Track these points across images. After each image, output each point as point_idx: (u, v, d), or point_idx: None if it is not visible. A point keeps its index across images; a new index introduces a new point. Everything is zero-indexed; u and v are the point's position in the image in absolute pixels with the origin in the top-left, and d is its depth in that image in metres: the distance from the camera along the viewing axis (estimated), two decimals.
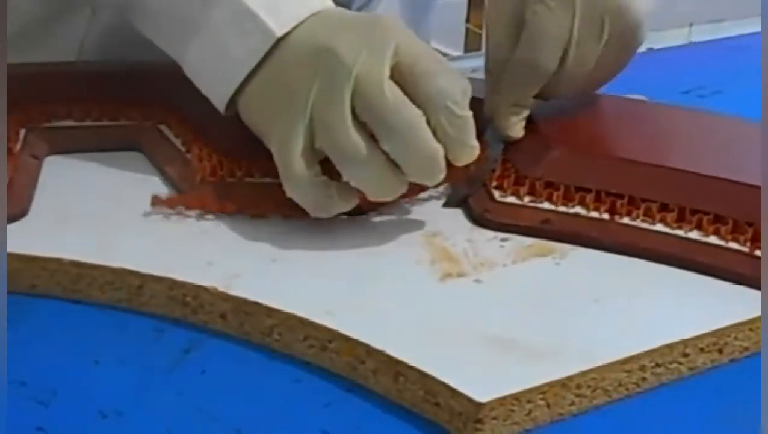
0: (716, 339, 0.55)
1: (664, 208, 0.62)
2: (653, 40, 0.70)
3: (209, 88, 0.63)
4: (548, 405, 0.51)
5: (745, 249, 0.60)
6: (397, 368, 0.51)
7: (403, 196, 0.62)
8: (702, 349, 0.55)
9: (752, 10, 0.92)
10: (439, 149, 0.58)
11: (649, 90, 0.77)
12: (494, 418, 0.50)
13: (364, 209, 0.62)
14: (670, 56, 0.95)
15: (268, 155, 0.60)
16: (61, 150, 0.68)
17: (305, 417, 0.51)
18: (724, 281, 0.58)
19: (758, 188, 0.59)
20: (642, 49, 0.69)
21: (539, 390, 0.50)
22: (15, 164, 0.64)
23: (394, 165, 0.58)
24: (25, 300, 0.57)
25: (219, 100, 0.63)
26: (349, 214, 0.61)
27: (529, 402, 0.50)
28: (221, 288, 0.56)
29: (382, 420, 0.51)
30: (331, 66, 0.58)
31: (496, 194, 0.64)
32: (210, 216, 0.62)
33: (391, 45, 0.58)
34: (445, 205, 0.64)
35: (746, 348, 0.56)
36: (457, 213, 0.64)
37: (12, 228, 0.59)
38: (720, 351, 0.55)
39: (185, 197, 0.62)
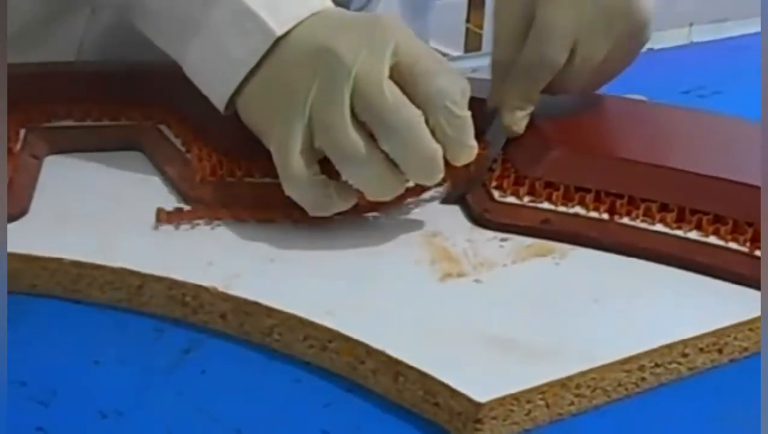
0: (716, 339, 0.55)
1: (664, 208, 0.62)
2: (653, 40, 0.70)
3: (209, 87, 0.63)
4: (548, 405, 0.51)
5: (745, 249, 0.60)
6: (397, 368, 0.52)
7: (405, 197, 0.62)
8: (701, 349, 0.55)
9: (752, 10, 0.92)
10: (438, 149, 0.58)
11: (649, 90, 0.77)
12: (494, 418, 0.50)
13: (363, 210, 0.62)
14: (670, 56, 0.95)
15: (268, 155, 0.60)
16: (61, 150, 0.68)
17: (305, 417, 0.51)
18: (723, 281, 0.58)
19: (758, 188, 0.59)
20: (642, 49, 0.69)
21: (539, 390, 0.50)
22: (15, 163, 0.64)
23: (393, 165, 0.58)
24: (25, 300, 0.57)
25: (219, 99, 0.63)
26: (348, 215, 0.61)
27: (528, 402, 0.50)
28: (221, 288, 0.56)
29: (381, 420, 0.51)
30: (331, 66, 0.58)
31: (496, 194, 0.64)
32: None
33: (390, 45, 0.58)
34: (443, 202, 0.64)
35: (746, 348, 0.56)
36: (457, 213, 0.64)
37: (12, 228, 0.59)
38: (719, 351, 0.55)
39: (191, 211, 0.61)
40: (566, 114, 0.70)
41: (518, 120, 0.67)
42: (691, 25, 1.00)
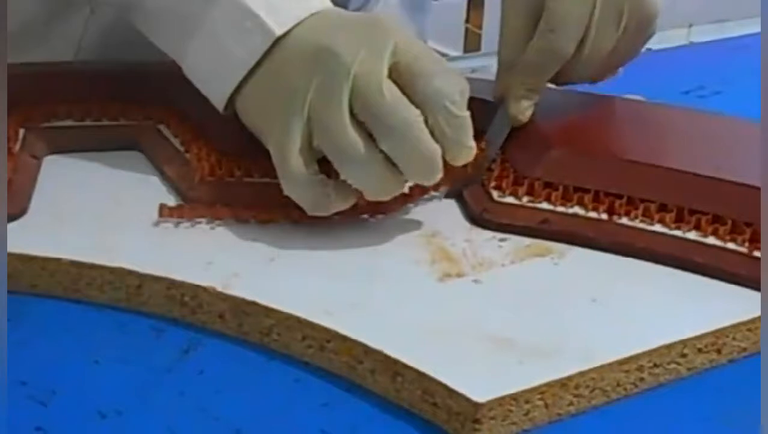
0: (715, 340, 0.55)
1: (663, 208, 0.62)
2: (653, 41, 0.70)
3: (208, 87, 0.63)
4: (546, 406, 0.51)
5: (744, 250, 0.60)
6: (395, 368, 0.52)
7: (404, 199, 0.62)
8: (700, 349, 0.55)
9: (752, 10, 0.92)
10: (437, 149, 0.58)
11: (649, 90, 0.77)
12: (492, 418, 0.50)
13: (362, 211, 0.62)
14: (670, 57, 0.95)
15: (267, 155, 0.60)
16: (60, 150, 0.68)
17: (304, 417, 0.51)
18: (722, 281, 0.58)
19: (757, 188, 0.59)
20: (642, 49, 0.70)
21: (537, 390, 0.50)
22: (14, 163, 0.64)
23: (392, 165, 0.58)
24: (25, 300, 0.58)
25: (218, 99, 0.63)
26: (348, 217, 0.61)
27: (527, 402, 0.50)
28: (220, 288, 0.56)
29: (380, 420, 0.51)
30: (330, 65, 0.58)
31: (495, 194, 0.64)
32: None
33: (389, 45, 0.58)
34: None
35: (744, 349, 0.56)
36: (456, 213, 0.64)
37: (11, 228, 0.59)
38: (718, 352, 0.55)
39: (193, 208, 0.62)
40: (565, 114, 0.70)
41: (524, 109, 0.67)
42: (690, 25, 1.00)
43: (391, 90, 0.57)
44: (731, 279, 0.58)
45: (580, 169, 0.64)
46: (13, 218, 0.60)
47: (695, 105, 0.82)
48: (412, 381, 0.51)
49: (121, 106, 0.70)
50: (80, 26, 0.78)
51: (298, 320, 0.54)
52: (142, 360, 0.54)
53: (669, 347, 0.54)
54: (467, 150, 0.59)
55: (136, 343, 0.55)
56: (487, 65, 0.70)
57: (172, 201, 0.63)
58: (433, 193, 0.64)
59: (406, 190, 0.61)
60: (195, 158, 0.65)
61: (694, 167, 0.63)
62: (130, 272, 0.57)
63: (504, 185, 0.64)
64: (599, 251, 0.61)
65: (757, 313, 0.55)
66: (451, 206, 0.65)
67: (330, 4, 0.62)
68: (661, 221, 0.62)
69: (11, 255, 0.57)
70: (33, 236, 0.59)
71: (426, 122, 0.58)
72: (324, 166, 0.59)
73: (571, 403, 0.51)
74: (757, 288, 0.56)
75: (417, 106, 0.58)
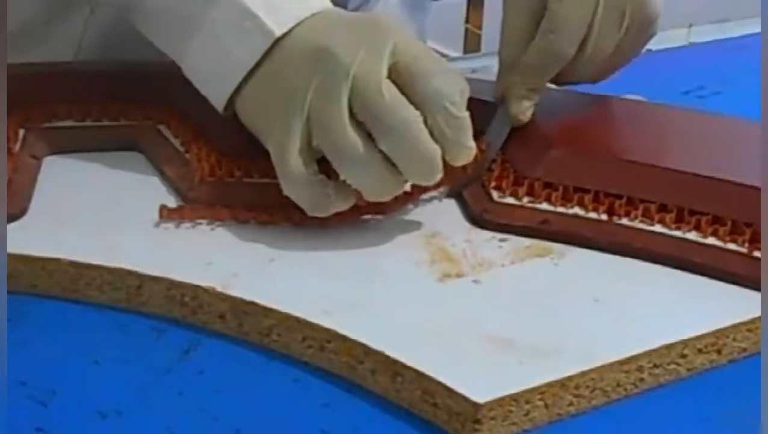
0: (715, 340, 0.55)
1: (663, 209, 0.62)
2: (653, 41, 0.70)
3: (208, 88, 0.63)
4: (546, 406, 0.51)
5: (744, 250, 0.60)
6: (395, 368, 0.52)
7: (404, 200, 0.62)
8: (700, 350, 0.55)
9: (752, 10, 0.92)
10: (436, 149, 0.58)
11: (649, 91, 0.77)
12: (492, 418, 0.50)
13: (362, 212, 0.62)
14: (669, 57, 0.95)
15: (267, 155, 0.60)
16: (60, 150, 0.68)
17: (304, 417, 0.51)
18: (722, 282, 0.58)
19: (757, 189, 0.59)
20: (650, 40, 0.70)
21: (537, 390, 0.50)
22: (14, 164, 0.64)
23: (392, 165, 0.58)
24: (25, 300, 0.58)
25: (218, 100, 0.63)
26: (348, 217, 0.61)
27: (527, 402, 0.50)
28: (220, 288, 0.56)
29: (380, 420, 0.51)
30: (329, 65, 0.58)
31: (495, 194, 0.64)
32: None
33: (389, 45, 0.58)
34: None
35: (744, 349, 0.56)
36: (456, 214, 0.64)
37: (11, 228, 0.59)
38: (718, 352, 0.55)
39: (194, 209, 0.62)
40: (566, 115, 0.70)
41: (525, 109, 0.67)
42: (690, 25, 1.00)
43: (390, 90, 0.57)
44: (731, 280, 0.58)
45: (580, 169, 0.64)
46: (13, 218, 0.60)
47: (695, 105, 0.82)
48: (412, 381, 0.51)
49: (121, 107, 0.70)
50: (80, 26, 0.78)
51: (298, 321, 0.54)
52: (142, 360, 0.54)
53: (669, 347, 0.54)
54: (467, 150, 0.59)
55: (136, 343, 0.55)
56: (486, 66, 0.70)
57: (172, 201, 0.63)
58: (432, 193, 0.64)
59: (407, 189, 0.61)
60: (195, 159, 0.65)
61: (694, 167, 0.63)
62: (130, 273, 0.57)
63: (504, 185, 0.64)
64: (599, 251, 0.61)
65: (757, 313, 0.55)
66: (451, 207, 0.65)
67: (330, 4, 0.62)
68: (661, 222, 0.62)
69: (11, 255, 0.57)
70: (33, 237, 0.59)
71: (425, 122, 0.58)
72: (324, 166, 0.59)
73: (571, 403, 0.51)
74: (757, 289, 0.56)
75: (416, 107, 0.58)
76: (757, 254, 0.59)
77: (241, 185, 0.64)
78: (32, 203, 0.63)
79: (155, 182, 0.66)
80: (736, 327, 0.55)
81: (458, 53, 1.68)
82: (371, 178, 0.58)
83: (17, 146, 0.66)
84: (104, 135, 0.69)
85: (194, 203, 0.62)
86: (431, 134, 0.58)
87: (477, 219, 0.63)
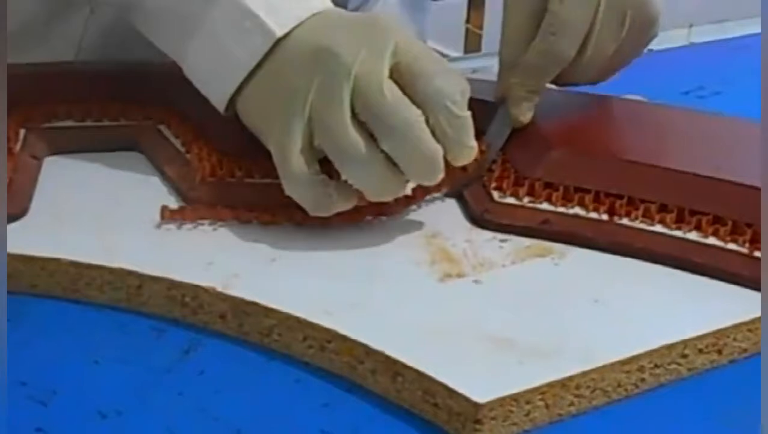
0: (715, 340, 0.55)
1: (663, 209, 0.62)
2: (653, 41, 0.70)
3: (209, 88, 0.63)
4: (547, 406, 0.51)
5: (744, 250, 0.60)
6: (396, 368, 0.52)
7: (406, 202, 0.62)
8: (701, 350, 0.55)
9: (752, 10, 0.92)
10: (438, 149, 0.58)
11: (649, 91, 0.77)
12: (493, 419, 0.50)
13: (364, 214, 0.62)
14: (670, 57, 0.95)
15: (268, 155, 0.60)
16: (60, 150, 0.68)
17: (304, 417, 0.51)
18: (722, 282, 0.58)
19: (757, 189, 0.59)
20: (651, 41, 0.70)
21: (538, 390, 0.50)
22: (15, 164, 0.64)
23: (393, 165, 0.58)
24: (25, 300, 0.57)
25: (218, 100, 0.63)
26: (349, 219, 0.61)
27: (527, 402, 0.50)
28: (220, 288, 0.56)
29: (380, 421, 0.51)
30: (331, 66, 0.58)
31: (496, 194, 0.64)
32: None
33: (390, 45, 0.58)
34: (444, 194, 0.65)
35: (745, 349, 0.56)
36: (457, 214, 0.64)
37: (12, 228, 0.59)
38: (719, 352, 0.55)
39: (195, 210, 0.62)
40: (566, 115, 0.70)
41: (525, 111, 0.67)
42: (691, 25, 1.00)
43: (392, 90, 0.57)
44: (732, 280, 0.58)
45: (581, 169, 0.64)
46: (13, 218, 0.60)
47: (695, 105, 0.82)
48: (413, 381, 0.51)
49: (121, 107, 0.70)
50: (80, 26, 0.78)
51: (299, 321, 0.54)
52: (142, 360, 0.54)
53: (670, 347, 0.54)
54: (468, 150, 0.59)
55: (136, 343, 0.55)
56: (487, 66, 0.70)
57: (172, 202, 0.63)
58: (433, 194, 0.64)
59: (408, 191, 0.61)
60: (196, 159, 0.65)
61: (695, 167, 0.63)
62: (131, 273, 0.57)
63: (505, 185, 0.64)
64: (600, 251, 0.61)
65: (758, 313, 0.55)
66: (452, 207, 0.65)
67: (330, 4, 0.62)
68: (662, 222, 0.62)
69: (11, 255, 0.57)
70: (33, 237, 0.59)
71: (427, 122, 0.58)
72: (325, 166, 0.59)
73: (571, 403, 0.51)
74: (758, 289, 0.56)
75: (418, 107, 0.58)
76: (757, 254, 0.59)
77: (242, 185, 0.64)
78: (33, 203, 0.62)
79: (156, 182, 0.66)
80: (736, 327, 0.55)
81: (459, 53, 1.68)
82: (373, 178, 0.58)
83: (18, 146, 0.66)
84: (104, 135, 0.69)
85: (195, 204, 0.62)
86: (433, 133, 0.58)
87: (478, 219, 0.63)
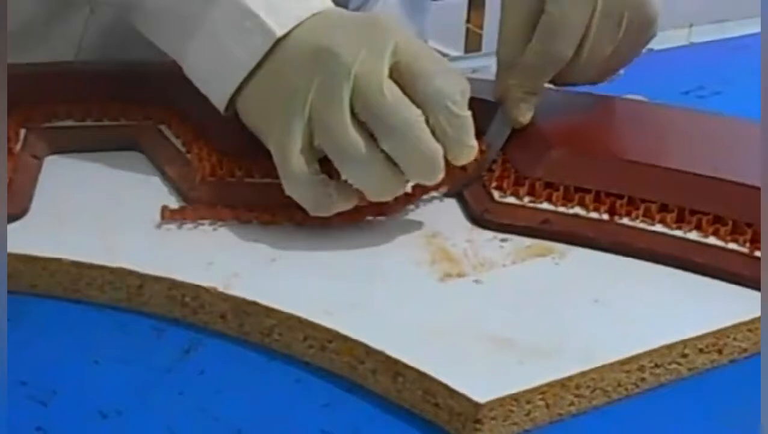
0: (715, 340, 0.55)
1: (664, 208, 0.62)
2: (653, 41, 0.70)
3: (209, 88, 0.63)
4: (547, 406, 0.51)
5: (745, 250, 0.60)
6: (396, 368, 0.52)
7: (406, 201, 0.62)
8: (701, 350, 0.55)
9: (752, 10, 0.92)
10: (438, 149, 0.58)
11: (649, 90, 0.77)
12: (493, 418, 0.50)
13: (364, 214, 0.62)
14: (670, 57, 0.95)
15: (268, 155, 0.60)
16: (61, 150, 0.68)
17: (305, 417, 0.51)
18: (723, 281, 0.58)
19: (758, 188, 0.59)
20: (650, 41, 0.70)
21: (538, 390, 0.50)
22: (15, 164, 0.64)
23: (394, 165, 0.58)
24: (25, 300, 0.57)
25: (219, 100, 0.63)
26: (349, 219, 0.61)
27: (528, 402, 0.50)
28: (221, 288, 0.56)
29: (381, 420, 0.51)
30: (331, 65, 0.58)
31: (496, 194, 0.64)
32: None
33: (390, 44, 0.58)
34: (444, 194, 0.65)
35: (745, 349, 0.56)
36: (457, 214, 0.64)
37: (12, 228, 0.59)
38: (719, 352, 0.55)
39: (195, 210, 0.62)
40: (566, 115, 0.70)
41: (524, 112, 0.67)
42: (691, 25, 1.00)
43: (391, 90, 0.57)
44: (732, 279, 0.58)
45: (581, 169, 0.64)
46: (13, 218, 0.60)
47: (695, 105, 0.82)
48: (414, 381, 0.51)
49: (121, 107, 0.70)
50: (80, 26, 0.78)
51: (300, 321, 0.54)
52: (142, 360, 0.54)
53: (670, 347, 0.54)
54: (469, 149, 0.59)
55: (136, 343, 0.55)
56: (487, 65, 0.70)
57: (173, 201, 0.63)
58: (433, 193, 0.64)
59: (408, 190, 0.61)
60: (196, 158, 0.65)
61: (695, 167, 0.63)
62: (131, 273, 0.57)
63: (505, 185, 0.64)
64: (600, 251, 0.61)
65: (758, 313, 0.55)
66: (452, 207, 0.65)
67: (331, 4, 0.62)
68: (662, 222, 0.62)
69: (12, 255, 0.57)
70: (33, 237, 0.59)
71: (427, 121, 0.58)
72: (326, 166, 0.59)
73: (572, 403, 0.51)
74: (758, 288, 0.56)
75: (418, 106, 0.58)
76: (758, 254, 0.59)
77: (242, 185, 0.64)
78: (33, 202, 0.63)
79: (156, 182, 0.66)
80: (736, 326, 0.55)
81: (459, 53, 1.68)
82: (373, 178, 0.58)
83: (18, 146, 0.66)
84: (105, 135, 0.69)
85: (195, 203, 0.62)
86: (433, 133, 0.58)
87: (478, 219, 0.63)
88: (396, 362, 0.51)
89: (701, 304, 0.57)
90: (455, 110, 0.58)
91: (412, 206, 0.64)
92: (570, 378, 0.51)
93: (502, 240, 0.61)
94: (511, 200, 0.64)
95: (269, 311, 0.55)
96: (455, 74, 0.59)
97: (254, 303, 0.55)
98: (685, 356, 0.54)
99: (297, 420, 0.51)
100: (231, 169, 0.64)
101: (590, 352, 0.52)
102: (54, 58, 0.74)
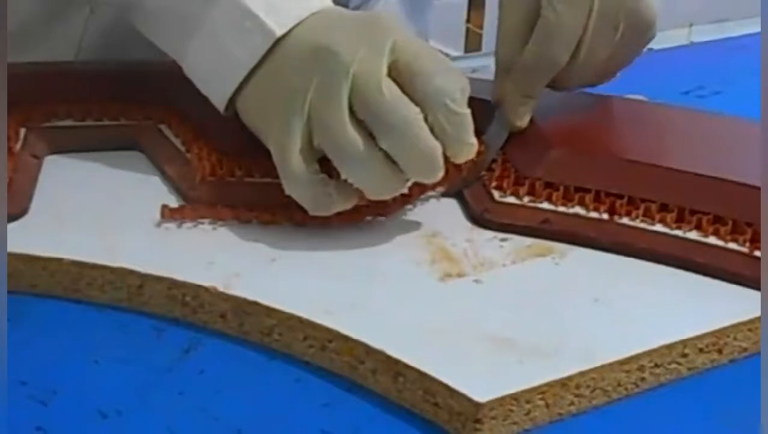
0: (715, 340, 0.55)
1: (664, 208, 0.62)
2: (653, 41, 0.70)
3: (209, 88, 0.63)
4: (547, 405, 0.51)
5: (745, 250, 0.60)
6: (397, 368, 0.52)
7: (406, 200, 0.62)
8: (701, 349, 0.55)
9: (752, 10, 0.92)
10: (437, 147, 0.58)
11: (649, 90, 0.77)
12: (493, 418, 0.50)
13: (364, 213, 0.62)
14: (670, 56, 0.95)
15: (268, 155, 0.60)
16: (61, 150, 0.68)
17: (305, 417, 0.51)
18: (723, 281, 0.58)
19: (758, 188, 0.59)
20: (647, 45, 0.70)
21: (538, 390, 0.50)
22: (15, 163, 0.64)
23: (393, 163, 0.58)
24: (26, 300, 0.57)
25: (219, 100, 0.63)
26: (349, 218, 0.61)
27: (528, 402, 0.50)
28: (221, 288, 0.56)
29: (381, 420, 0.51)
30: (329, 64, 0.58)
31: (496, 194, 0.64)
32: None
33: (388, 43, 0.58)
34: (443, 194, 0.65)
35: (745, 349, 0.56)
36: (457, 213, 0.64)
37: (12, 228, 0.59)
38: (719, 352, 0.55)
39: (195, 209, 0.62)
40: (566, 115, 0.70)
41: (521, 115, 0.67)
42: (691, 25, 1.00)
43: (390, 88, 0.57)
44: (732, 279, 0.58)
45: (581, 169, 0.64)
46: (13, 217, 0.60)
47: (695, 105, 0.83)
48: (414, 381, 0.51)
49: (121, 106, 0.70)
50: (80, 26, 0.78)
51: (300, 320, 0.54)
52: (142, 359, 0.54)
53: (670, 347, 0.54)
54: (468, 147, 0.59)
55: (136, 343, 0.55)
56: (487, 65, 0.70)
57: (173, 201, 0.63)
58: (430, 193, 0.64)
59: (405, 190, 0.61)
60: (196, 158, 0.65)
61: (695, 167, 0.63)
62: (131, 272, 0.57)
63: (505, 184, 0.64)
64: (600, 251, 0.61)
65: (758, 313, 0.55)
66: (452, 206, 0.65)
67: (330, 3, 0.62)
68: (662, 221, 0.62)
69: (12, 255, 0.57)
70: (33, 236, 0.59)
71: (426, 120, 0.58)
72: (325, 166, 0.59)
73: (572, 403, 0.51)
74: (758, 288, 0.56)
75: (417, 105, 0.57)
76: (757, 253, 0.59)
77: (242, 184, 0.64)
78: (33, 202, 0.62)
79: (156, 181, 0.66)
80: (736, 326, 0.55)
81: (459, 52, 1.68)
82: (372, 176, 0.58)
83: (18, 146, 0.66)
84: (105, 135, 0.69)
85: (195, 203, 0.62)
86: (432, 131, 0.58)
87: (478, 219, 0.63)
88: (396, 362, 0.51)
89: (701, 304, 0.57)
90: (454, 108, 0.58)
91: (411, 206, 0.64)
92: (570, 378, 0.51)
93: (502, 240, 0.61)
94: (511, 199, 0.64)
95: (269, 310, 0.55)
96: (455, 72, 0.59)
97: (254, 303, 0.55)
98: (685, 356, 0.54)
99: (297, 419, 0.51)
100: (231, 168, 0.64)
101: (590, 352, 0.52)
102: (54, 58, 0.74)
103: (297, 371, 0.54)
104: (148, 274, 0.57)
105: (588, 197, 0.63)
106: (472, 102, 0.59)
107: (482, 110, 0.65)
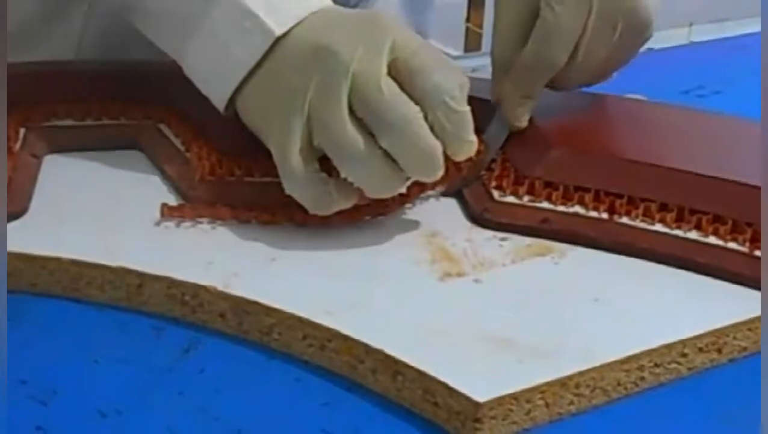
0: (715, 339, 0.55)
1: (663, 208, 0.62)
2: (653, 40, 0.70)
3: (209, 87, 0.63)
4: (547, 405, 0.51)
5: (744, 249, 0.60)
6: (396, 367, 0.52)
7: (406, 199, 0.62)
8: (701, 349, 0.55)
9: (752, 10, 0.92)
10: (437, 145, 0.58)
11: (649, 90, 0.77)
12: (493, 418, 0.50)
13: (364, 213, 0.62)
14: (670, 56, 0.95)
15: (268, 154, 0.60)
16: (60, 149, 0.68)
17: (304, 416, 0.51)
18: (722, 281, 0.58)
19: (758, 188, 0.59)
20: (642, 49, 0.69)
21: (538, 389, 0.50)
22: (15, 163, 0.64)
23: (392, 162, 0.58)
24: (25, 300, 0.57)
25: (218, 99, 0.63)
26: (349, 218, 0.61)
27: (527, 401, 0.50)
28: (220, 287, 0.56)
29: (381, 420, 0.51)
30: (329, 63, 0.58)
31: (496, 193, 0.64)
32: None
33: (387, 41, 0.58)
34: (443, 194, 0.65)
35: (745, 348, 0.56)
36: (457, 213, 0.64)
37: (12, 227, 0.59)
38: (719, 351, 0.55)
39: (195, 208, 0.62)
40: (566, 114, 0.70)
41: (520, 116, 0.67)
42: (691, 25, 1.00)
43: (389, 87, 0.57)
44: (732, 279, 0.58)
45: (581, 168, 0.64)
46: (13, 217, 0.60)
47: (695, 105, 0.83)
48: (413, 380, 0.51)
49: (121, 106, 0.70)
50: (80, 26, 0.78)
51: (299, 320, 0.54)
52: (142, 359, 0.54)
53: (669, 346, 0.54)
54: (468, 145, 0.59)
55: (136, 342, 0.55)
56: (487, 64, 0.70)
57: (172, 200, 0.63)
58: (430, 192, 0.64)
59: (405, 189, 0.61)
60: (195, 157, 0.65)
61: (695, 166, 0.63)
62: (131, 272, 0.57)
63: (504, 184, 0.64)
64: (600, 250, 0.61)
65: (758, 313, 0.55)
66: (452, 206, 0.65)
67: (329, 2, 0.62)
68: (662, 221, 0.62)
69: (11, 254, 0.57)
70: (33, 236, 0.59)
71: (426, 118, 0.58)
72: (325, 165, 0.59)
73: (571, 402, 0.51)
74: (758, 288, 0.56)
75: (416, 103, 0.57)
76: (757, 253, 0.59)
77: (241, 184, 0.64)
78: (32, 201, 0.62)
79: (156, 181, 0.66)
80: (736, 326, 0.55)
81: (459, 52, 1.68)
82: (372, 175, 0.58)
83: (17, 145, 0.66)
84: (104, 134, 0.69)
85: (195, 202, 0.62)
86: (432, 129, 0.58)
87: (478, 218, 0.63)
88: (396, 361, 0.52)
89: (701, 303, 0.57)
90: (454, 106, 0.58)
91: (411, 206, 0.64)
92: (570, 378, 0.51)
93: (502, 239, 0.61)
94: (511, 199, 0.64)
95: (269, 310, 0.55)
96: (454, 70, 0.59)
97: (254, 302, 0.55)
98: (684, 355, 0.54)
99: (297, 419, 0.51)
100: (230, 168, 0.64)
101: (590, 352, 0.52)
102: (54, 58, 0.74)
103: (296, 370, 0.54)
104: (148, 273, 0.57)
105: (588, 197, 0.63)
106: (472, 101, 0.59)
107: (482, 109, 0.65)
